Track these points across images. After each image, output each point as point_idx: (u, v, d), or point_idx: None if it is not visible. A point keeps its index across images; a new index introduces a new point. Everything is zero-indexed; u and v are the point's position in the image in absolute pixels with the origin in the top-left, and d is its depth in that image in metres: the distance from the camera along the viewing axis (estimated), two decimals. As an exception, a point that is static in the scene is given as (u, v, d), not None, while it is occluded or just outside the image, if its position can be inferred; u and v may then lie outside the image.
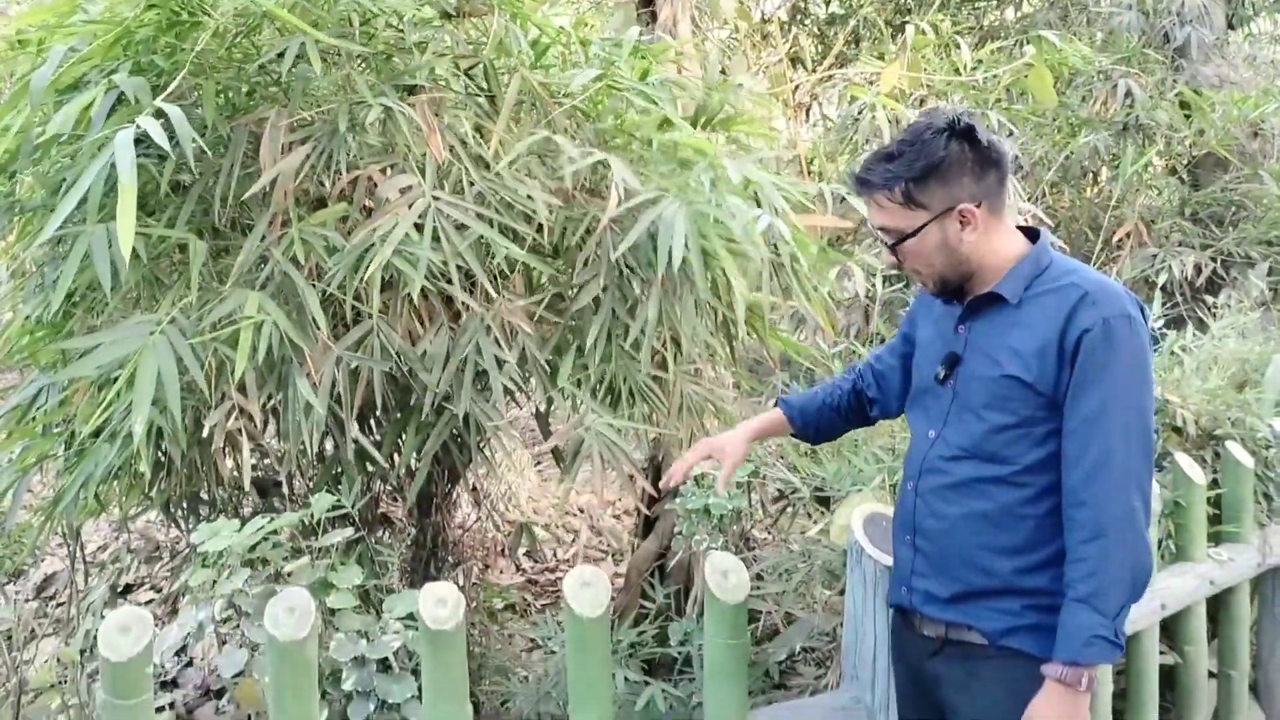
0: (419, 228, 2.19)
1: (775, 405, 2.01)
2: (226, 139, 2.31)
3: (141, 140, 2.14)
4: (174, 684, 3.92)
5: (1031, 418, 1.59)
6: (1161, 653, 2.52)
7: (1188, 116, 5.29)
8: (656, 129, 2.57)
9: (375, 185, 2.31)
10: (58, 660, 2.39)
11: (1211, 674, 2.73)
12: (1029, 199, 4.75)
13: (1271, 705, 2.90)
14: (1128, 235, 5.22)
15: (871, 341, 4.19)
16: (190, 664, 4.03)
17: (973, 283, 1.68)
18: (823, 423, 1.99)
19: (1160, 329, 3.09)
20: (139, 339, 2.05)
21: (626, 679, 2.06)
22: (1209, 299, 4.35)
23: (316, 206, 2.37)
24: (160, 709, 3.69)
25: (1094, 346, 1.53)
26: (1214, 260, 5.02)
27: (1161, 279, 4.07)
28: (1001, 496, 1.61)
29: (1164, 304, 4.34)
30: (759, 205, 2.49)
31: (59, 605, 4.17)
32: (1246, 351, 3.23)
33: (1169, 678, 2.60)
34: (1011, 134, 4.94)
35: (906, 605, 1.72)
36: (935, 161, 1.60)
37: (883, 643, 1.88)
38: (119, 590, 4.15)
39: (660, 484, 2.00)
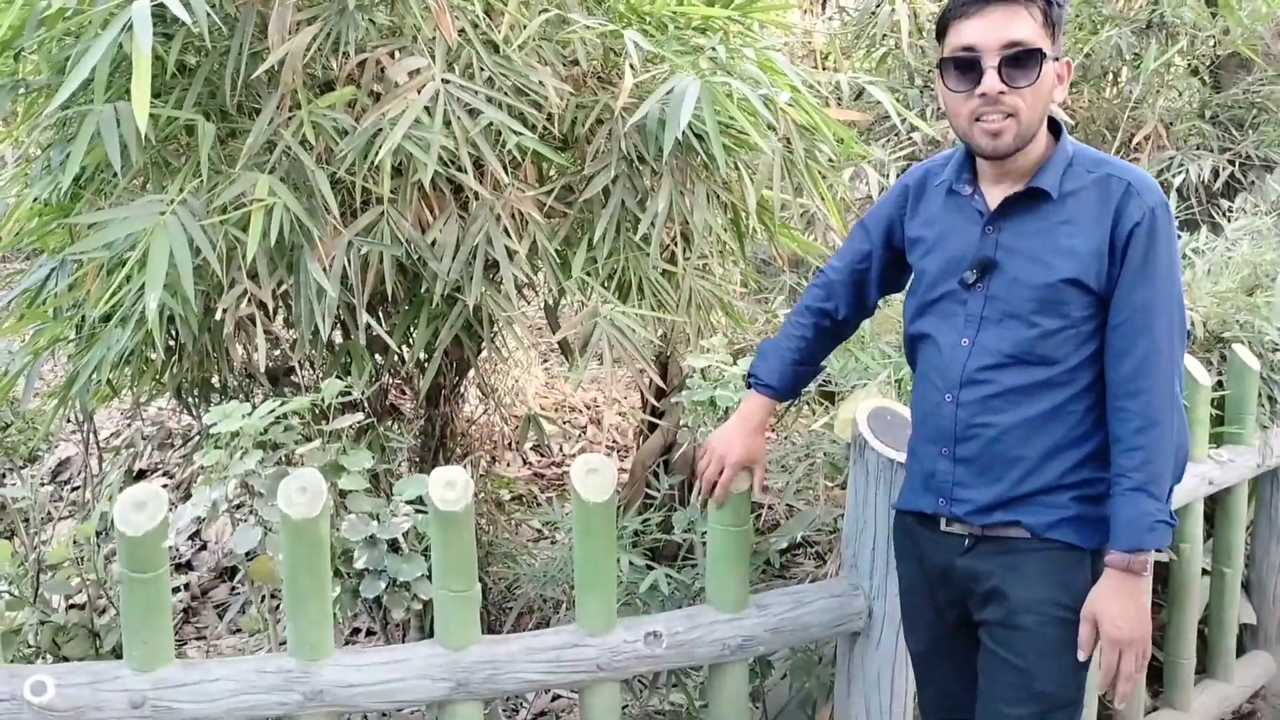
0: (429, 111, 2.16)
1: (750, 388, 1.90)
2: (234, 19, 2.27)
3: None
4: (189, 566, 4.03)
5: (1082, 318, 1.57)
6: (1157, 550, 2.57)
7: (1214, 14, 5.15)
8: (670, 8, 2.51)
9: (384, 69, 2.27)
10: (74, 540, 2.45)
11: (1205, 571, 2.79)
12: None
13: (1263, 601, 2.97)
14: (1146, 138, 5.14)
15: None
16: (204, 548, 4.13)
17: (1013, 162, 1.60)
18: (800, 381, 1.90)
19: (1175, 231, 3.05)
20: (150, 218, 2.04)
21: (631, 563, 2.11)
22: (1225, 203, 4.30)
23: (325, 90, 2.34)
24: (175, 590, 3.80)
25: (1142, 239, 1.53)
26: (1231, 164, 4.94)
27: (1177, 181, 4.01)
28: (1048, 398, 1.60)
29: (1179, 207, 4.29)
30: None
31: (74, 489, 4.25)
32: (1258, 256, 3.21)
33: (1162, 573, 2.66)
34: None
35: (945, 513, 1.69)
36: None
37: (882, 534, 1.91)
38: (133, 476, 4.23)
39: (704, 504, 1.92)
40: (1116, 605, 1.54)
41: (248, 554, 1.91)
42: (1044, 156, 1.60)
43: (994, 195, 1.64)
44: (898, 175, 3.82)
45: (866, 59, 5.32)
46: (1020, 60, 1.53)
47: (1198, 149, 5.08)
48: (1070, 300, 1.56)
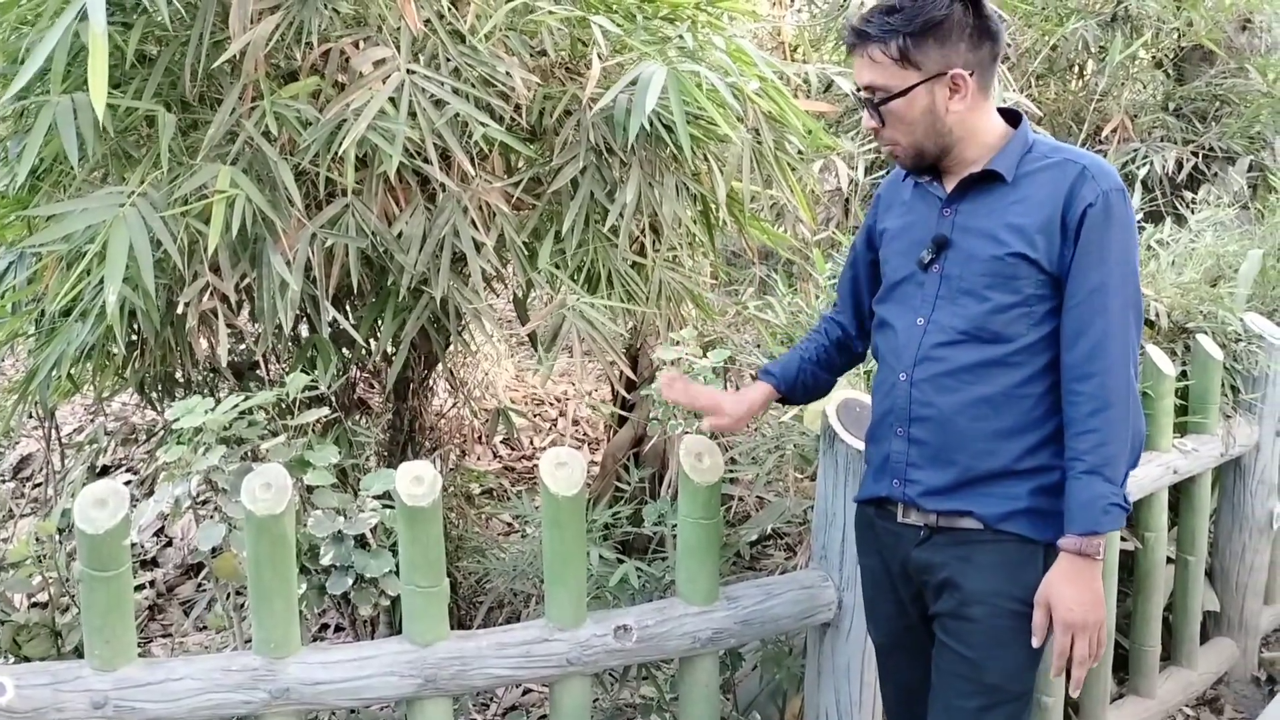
0: (394, 102, 2.13)
1: (757, 380, 1.93)
2: (194, 6, 2.23)
3: (107, 7, 2.06)
4: (154, 563, 3.98)
5: (1033, 296, 1.58)
6: (1122, 539, 2.59)
7: (1178, 7, 5.20)
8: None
9: (348, 59, 2.24)
10: (35, 537, 2.41)
11: (1169, 559, 2.82)
12: (1016, 90, 4.69)
13: (1226, 589, 3.00)
14: (1114, 131, 5.18)
15: (852, 232, 4.16)
16: (170, 544, 4.08)
17: (950, 160, 1.65)
18: (807, 379, 1.92)
19: (1139, 223, 3.08)
20: (109, 210, 2.00)
21: (601, 557, 2.10)
22: (1189, 194, 4.34)
23: (288, 80, 2.30)
24: (140, 587, 3.75)
25: (1096, 221, 1.54)
26: (1195, 155, 4.99)
27: (1142, 173, 4.05)
28: (1002, 379, 1.60)
29: (1143, 199, 4.33)
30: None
31: (36, 486, 4.19)
32: (1221, 247, 3.25)
33: (1128, 562, 2.68)
34: (1003, 21, 4.86)
35: (898, 497, 1.69)
36: (936, 19, 1.56)
37: (851, 525, 1.91)
38: (96, 472, 4.16)
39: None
40: (1070, 590, 1.54)
41: (212, 551, 1.89)
42: (997, 145, 1.63)
43: (951, 184, 1.68)
44: (866, 168, 3.83)
45: (835, 51, 5.33)
46: (875, 103, 1.62)
47: (1162, 141, 5.13)
48: (1022, 275, 1.57)
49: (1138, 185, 3.54)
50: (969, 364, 1.62)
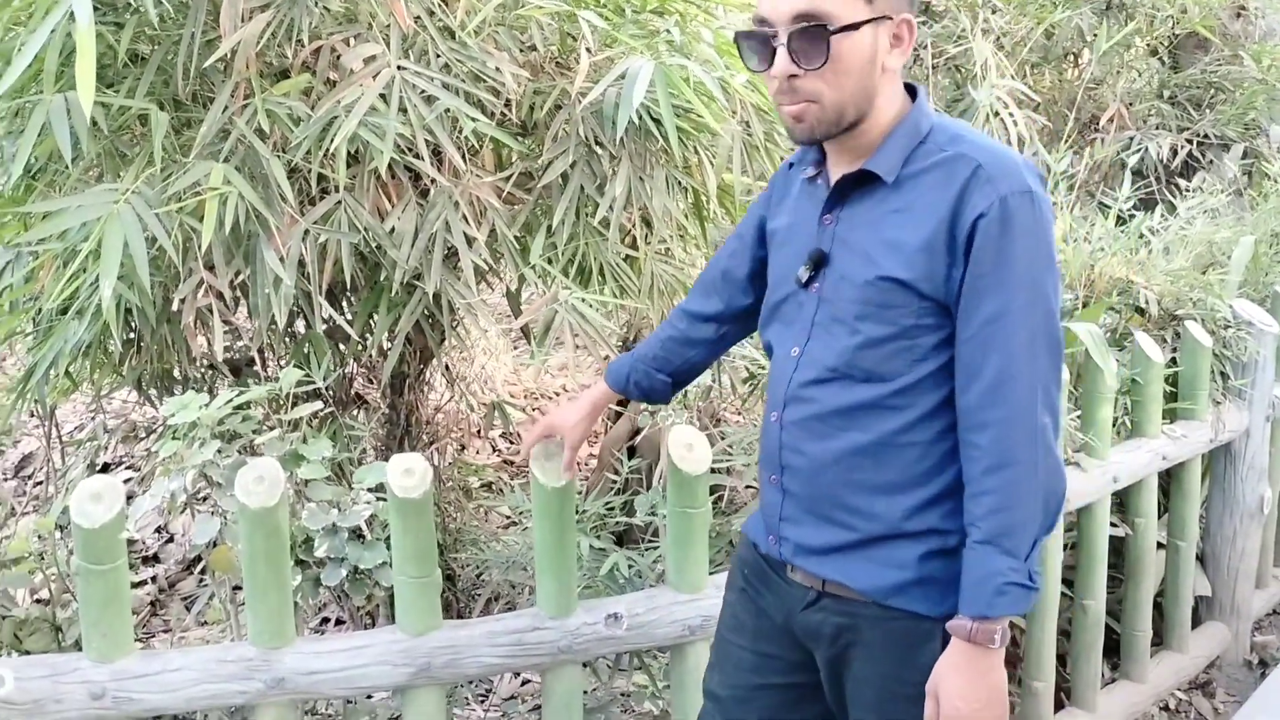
0: (385, 99, 2.15)
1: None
2: (186, 5, 2.25)
3: (98, 7, 2.09)
4: (155, 559, 4.01)
5: (915, 328, 1.31)
6: (1113, 524, 2.61)
7: (1172, -6, 5.21)
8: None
9: (339, 56, 2.26)
10: (36, 535, 2.43)
11: (1161, 544, 2.84)
12: (1012, 77, 4.70)
13: (1218, 574, 3.03)
14: (1110, 119, 5.19)
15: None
16: (171, 540, 4.11)
17: (851, 141, 1.36)
18: (639, 378, 1.71)
19: (1130, 210, 3.10)
20: (103, 207, 2.02)
21: (591, 547, 2.12)
22: (1183, 182, 4.35)
23: (280, 78, 2.32)
24: (142, 583, 3.78)
25: (990, 234, 1.25)
26: (1190, 143, 5.00)
27: (1132, 161, 4.06)
28: (879, 425, 1.34)
29: (1135, 186, 4.35)
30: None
31: (37, 484, 4.22)
32: (1214, 233, 3.26)
33: (1119, 548, 2.70)
34: (995, 10, 4.87)
35: (775, 556, 1.48)
36: None
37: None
38: (97, 469, 4.20)
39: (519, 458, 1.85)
40: (957, 682, 1.29)
41: (211, 545, 1.91)
42: (891, 125, 1.36)
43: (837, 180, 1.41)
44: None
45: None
46: (810, 36, 1.27)
47: (1157, 128, 5.15)
48: (897, 304, 1.30)
49: (1127, 173, 3.54)
50: (841, 407, 1.36)
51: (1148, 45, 5.66)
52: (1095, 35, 5.23)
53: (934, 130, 1.35)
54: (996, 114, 3.90)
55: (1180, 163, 4.93)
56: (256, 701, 1.69)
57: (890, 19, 1.31)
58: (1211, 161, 4.99)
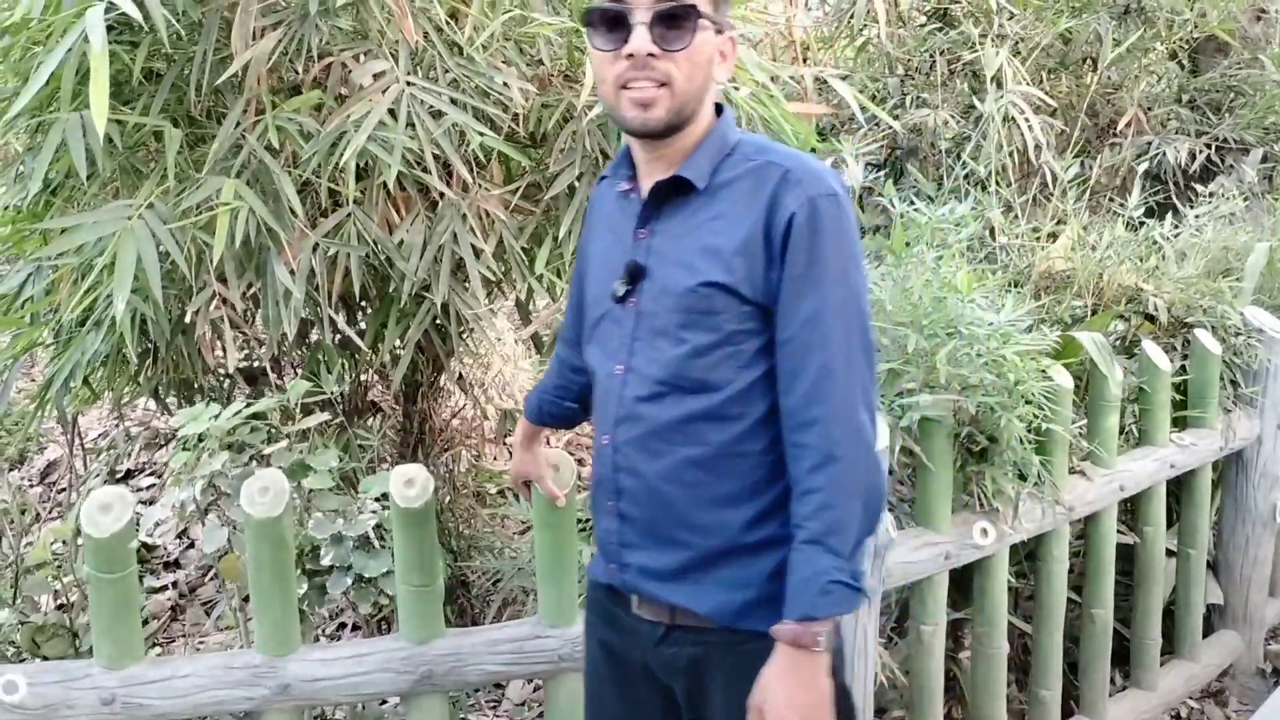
0: (394, 114, 2.19)
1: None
2: (199, 24, 2.30)
3: (114, 27, 2.14)
4: (176, 564, 4.07)
5: (738, 333, 1.31)
6: (1121, 532, 2.61)
7: (1192, -1, 5.19)
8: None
9: (349, 71, 2.30)
10: (58, 541, 2.49)
11: (1172, 552, 2.83)
12: (1028, 83, 4.69)
13: (1230, 582, 3.01)
14: (1129, 124, 5.17)
15: (864, 234, 4.19)
16: (192, 545, 4.17)
17: (671, 144, 1.37)
18: (550, 407, 1.73)
19: (1140, 217, 3.09)
20: (117, 223, 2.07)
21: (593, 555, 2.14)
22: (1199, 187, 4.33)
23: (292, 94, 2.37)
24: (163, 588, 3.84)
25: (801, 235, 1.28)
26: (1208, 147, 4.97)
27: (1142, 167, 4.04)
28: (713, 436, 1.33)
29: (1149, 190, 4.33)
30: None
31: (61, 491, 4.29)
32: (1230, 239, 3.25)
33: (1129, 556, 2.70)
34: (1013, 16, 4.86)
35: (619, 585, 1.44)
36: None
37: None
38: (120, 476, 4.27)
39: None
40: (783, 689, 1.25)
41: (220, 552, 1.95)
42: (702, 138, 1.37)
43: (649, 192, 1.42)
44: (865, 168, 3.86)
45: (848, 48, 5.35)
46: (675, 18, 1.30)
47: (1176, 133, 5.12)
48: (720, 309, 1.31)
49: (1137, 179, 3.52)
50: (674, 420, 1.34)
51: (1168, 50, 5.63)
52: (1115, 40, 5.22)
53: (741, 143, 1.39)
54: (1011, 119, 3.91)
55: (1199, 168, 4.90)
56: (262, 708, 1.73)
57: (724, 32, 1.37)
58: (1231, 166, 4.95)
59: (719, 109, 1.41)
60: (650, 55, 1.29)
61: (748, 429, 1.33)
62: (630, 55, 1.30)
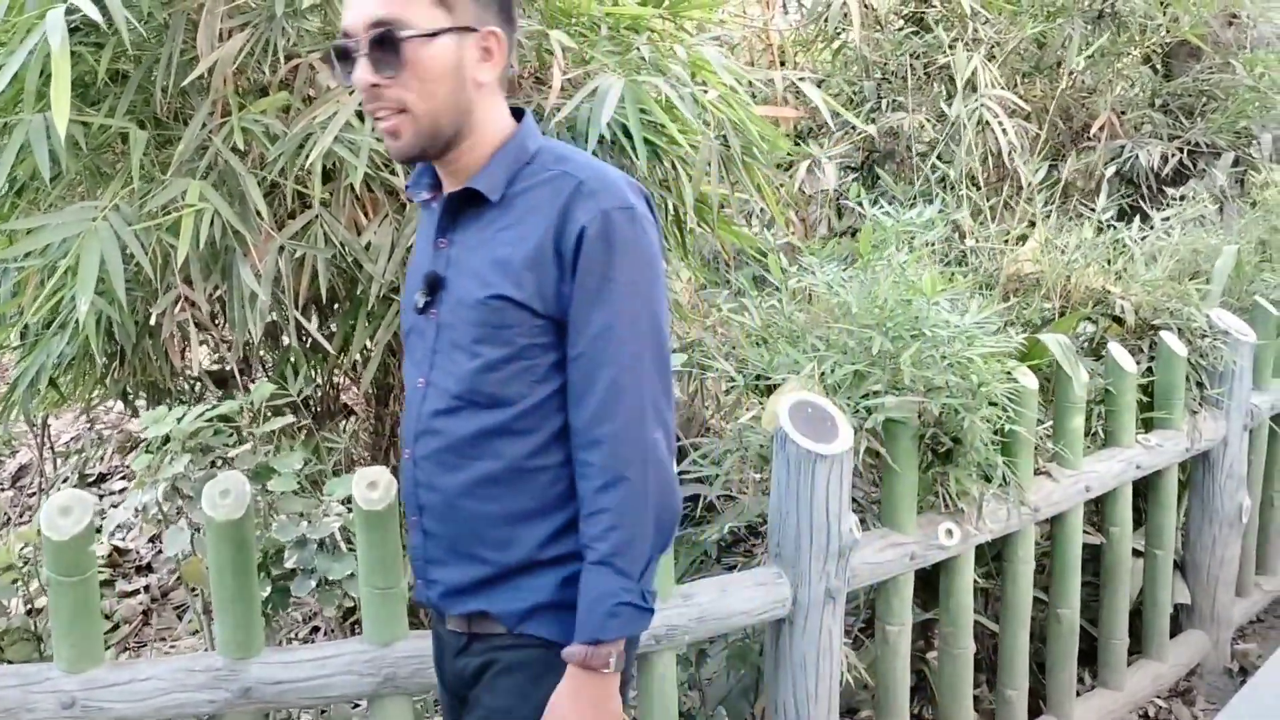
0: (360, 116, 2.19)
1: None
2: (165, 26, 2.29)
3: (79, 28, 2.13)
4: (149, 568, 4.05)
5: (531, 347, 1.29)
6: (1088, 532, 2.63)
7: (1164, 3, 5.22)
8: (605, 9, 2.55)
9: (316, 73, 2.30)
10: (25, 543, 2.47)
11: (1140, 553, 2.85)
12: (1002, 87, 4.72)
13: (1198, 581, 3.03)
14: (1102, 128, 5.20)
15: (840, 237, 4.21)
16: (162, 550, 4.15)
17: (456, 159, 1.34)
18: None
19: (1109, 220, 3.12)
20: (81, 224, 2.06)
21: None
22: (1171, 190, 4.37)
23: (259, 95, 2.36)
24: (135, 592, 3.82)
25: (593, 248, 1.25)
26: (1180, 151, 5.02)
27: (1110, 170, 4.08)
28: (508, 450, 1.31)
29: (1122, 194, 4.37)
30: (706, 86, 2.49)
31: (32, 494, 4.27)
32: (1198, 242, 3.28)
33: (1097, 557, 2.72)
34: (987, 21, 4.89)
35: (432, 602, 1.42)
36: None
37: (805, 522, 1.96)
38: (93, 479, 4.25)
39: None
40: (572, 710, 1.26)
41: (182, 555, 1.94)
42: (498, 145, 1.35)
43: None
44: (839, 171, 3.88)
45: (825, 51, 5.38)
46: (384, 43, 1.25)
47: (1149, 137, 5.16)
48: (511, 323, 1.28)
49: (1104, 183, 3.55)
50: (468, 435, 1.32)
51: (1142, 54, 5.68)
52: (1088, 43, 5.26)
53: (541, 151, 1.35)
54: (985, 123, 3.93)
55: (1171, 171, 4.94)
56: (224, 711, 1.72)
57: (475, 30, 1.30)
58: (1203, 170, 4.99)
59: (520, 114, 1.39)
60: (374, 85, 1.26)
61: (542, 444, 1.31)
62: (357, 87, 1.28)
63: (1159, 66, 5.63)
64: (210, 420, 1.94)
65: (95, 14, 1.85)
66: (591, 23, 2.57)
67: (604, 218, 1.25)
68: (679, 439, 3.05)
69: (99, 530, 3.29)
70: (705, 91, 2.43)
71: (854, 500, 2.26)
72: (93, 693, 1.67)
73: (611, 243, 1.25)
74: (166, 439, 1.90)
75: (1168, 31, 5.34)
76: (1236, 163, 5.03)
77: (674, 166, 2.63)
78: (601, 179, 1.28)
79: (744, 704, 2.48)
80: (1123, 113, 5.31)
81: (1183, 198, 3.79)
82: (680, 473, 2.03)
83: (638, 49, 2.41)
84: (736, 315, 3.02)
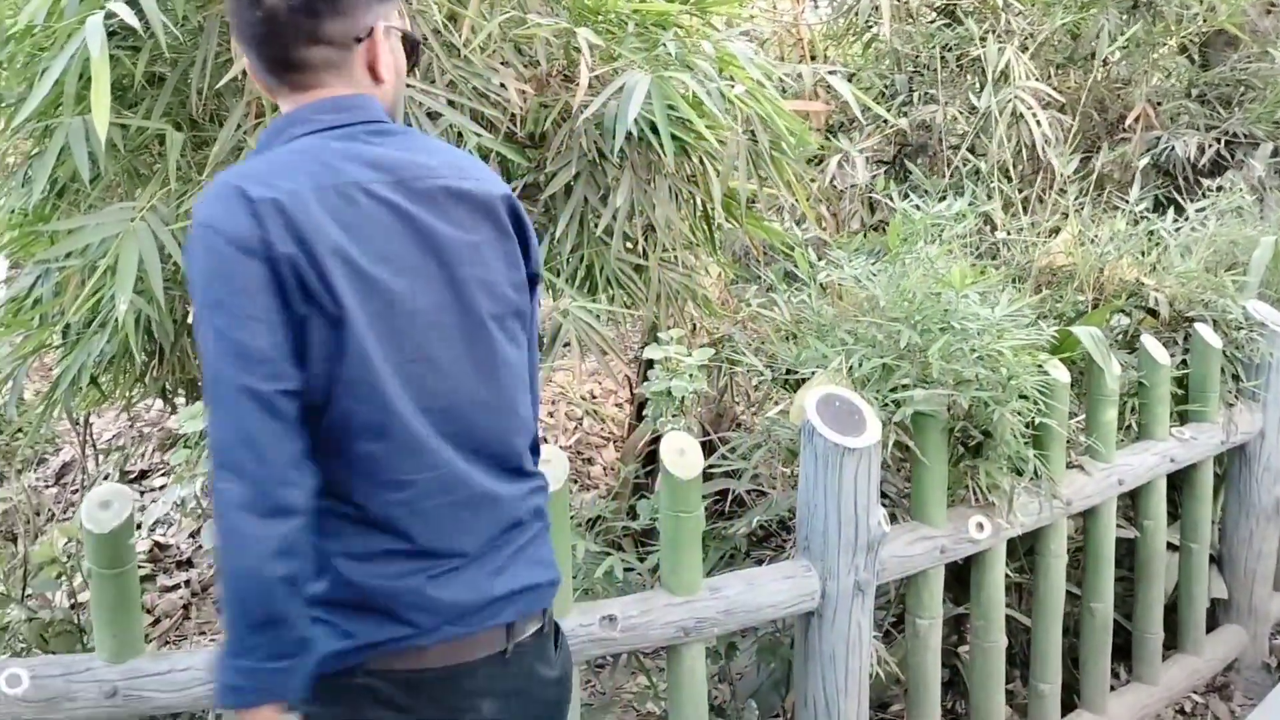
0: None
1: None
2: (200, 28, 2.33)
3: (116, 32, 2.17)
4: (189, 563, 4.11)
5: None
6: (1121, 526, 2.61)
7: (1200, -9, 5.16)
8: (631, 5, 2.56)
9: (347, 75, 2.33)
10: (67, 538, 2.53)
11: (1175, 547, 2.83)
12: (1038, 79, 4.68)
13: (1234, 576, 3.00)
14: (1137, 119, 5.14)
15: (867, 233, 4.20)
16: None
17: None
18: None
19: (1143, 212, 3.09)
20: (120, 225, 2.11)
21: (588, 550, 2.17)
22: (1207, 181, 4.31)
23: (292, 97, 2.40)
24: (176, 587, 3.89)
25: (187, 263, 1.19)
26: (1218, 141, 4.95)
27: (1143, 162, 4.03)
28: None
29: (1159, 185, 4.32)
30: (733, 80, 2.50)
31: (75, 491, 4.35)
32: (1235, 233, 3.24)
33: (1131, 550, 2.70)
34: (1020, 12, 4.85)
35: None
36: None
37: (832, 516, 1.96)
38: (134, 476, 4.32)
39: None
40: None
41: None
42: None
43: None
44: (867, 164, 3.86)
45: (855, 46, 5.36)
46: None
47: (1185, 128, 5.09)
48: None
49: (1137, 174, 3.51)
50: None
51: (1176, 44, 5.60)
52: (1120, 33, 5.20)
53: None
54: (1019, 116, 3.90)
55: (1209, 162, 4.87)
56: (260, 700, 1.75)
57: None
58: (1240, 161, 4.92)
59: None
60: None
61: None
62: None
63: (1195, 56, 5.55)
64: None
65: (133, 20, 1.89)
66: (619, 19, 2.58)
67: (190, 239, 1.17)
68: (708, 434, 3.06)
69: (139, 525, 3.35)
70: (732, 86, 2.44)
71: (883, 494, 2.26)
72: (134, 682, 1.71)
73: (187, 259, 1.18)
74: (204, 434, 1.93)
75: (1204, 20, 5.26)
76: (1275, 153, 4.95)
77: (701, 162, 2.64)
78: (206, 193, 1.19)
79: (774, 697, 2.48)
80: (1158, 103, 5.24)
81: (1219, 189, 3.74)
82: (708, 467, 2.05)
83: (664, 45, 2.42)
84: (766, 310, 3.03)
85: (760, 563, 2.55)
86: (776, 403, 2.34)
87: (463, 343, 1.27)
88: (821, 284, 2.56)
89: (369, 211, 1.21)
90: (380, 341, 1.20)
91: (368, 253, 1.19)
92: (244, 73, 2.23)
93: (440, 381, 1.25)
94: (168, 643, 3.53)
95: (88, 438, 3.23)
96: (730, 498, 2.65)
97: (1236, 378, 2.86)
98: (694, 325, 3.22)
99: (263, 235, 1.14)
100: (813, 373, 2.29)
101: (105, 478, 3.37)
